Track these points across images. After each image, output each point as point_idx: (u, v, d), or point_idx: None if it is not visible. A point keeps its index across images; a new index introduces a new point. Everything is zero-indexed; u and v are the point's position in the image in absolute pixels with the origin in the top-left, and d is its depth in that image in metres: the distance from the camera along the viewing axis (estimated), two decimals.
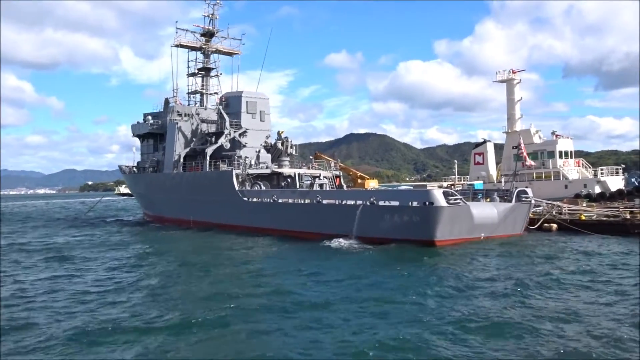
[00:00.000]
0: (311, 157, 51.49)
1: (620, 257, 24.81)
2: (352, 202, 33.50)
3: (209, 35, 56.27)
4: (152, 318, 15.21)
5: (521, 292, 17.59)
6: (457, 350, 12.04)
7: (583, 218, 35.59)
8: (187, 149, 50.62)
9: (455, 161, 68.94)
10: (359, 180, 58.38)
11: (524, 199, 33.47)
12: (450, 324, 13.98)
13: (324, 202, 35.43)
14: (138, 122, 58.98)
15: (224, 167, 45.36)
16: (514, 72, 55.84)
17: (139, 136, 59.59)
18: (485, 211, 31.83)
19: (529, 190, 34.39)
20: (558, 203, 38.58)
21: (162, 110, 57.29)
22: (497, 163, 58.45)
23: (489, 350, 12.11)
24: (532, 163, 37.50)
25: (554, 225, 36.05)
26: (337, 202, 34.93)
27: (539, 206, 39.25)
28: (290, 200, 38.02)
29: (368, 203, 32.15)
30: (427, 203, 29.55)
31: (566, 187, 48.39)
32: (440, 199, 29.25)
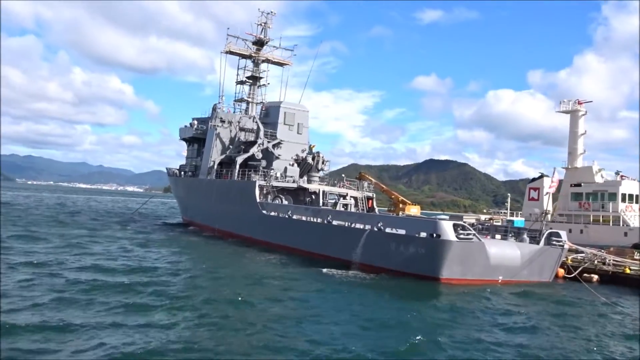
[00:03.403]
0: (341, 176, 48.86)
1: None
2: (361, 226, 30.94)
3: (260, 43, 55.52)
4: None
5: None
6: None
7: (628, 271, 30.88)
8: (223, 156, 49.84)
9: (509, 194, 63.94)
10: (400, 205, 55.25)
11: (554, 242, 29.40)
12: None
13: (334, 222, 33.03)
14: (185, 126, 59.18)
15: (255, 177, 43.95)
16: (579, 103, 50.94)
17: (185, 140, 59.70)
18: (505, 251, 28.15)
19: (562, 233, 30.23)
20: (602, 251, 33.95)
21: (210, 115, 57.08)
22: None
23: None
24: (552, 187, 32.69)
25: (595, 277, 31.58)
26: (346, 224, 32.44)
27: (581, 253, 34.80)
28: (304, 218, 35.90)
29: (375, 229, 29.48)
30: (434, 235, 26.51)
31: (626, 234, 43.01)
32: (448, 232, 26.11)
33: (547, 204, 33.07)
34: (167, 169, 64.86)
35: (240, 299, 19.31)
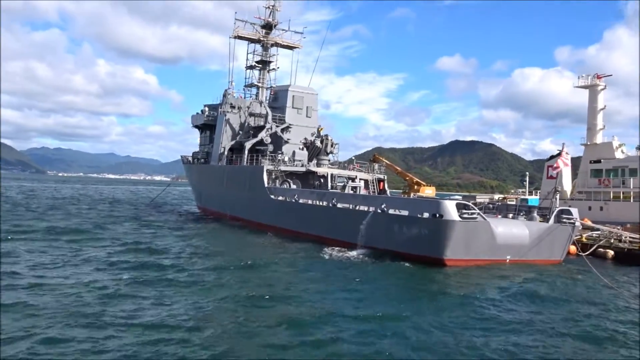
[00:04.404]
0: (351, 158, 48.20)
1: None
2: (365, 208, 30.39)
3: (268, 27, 54.81)
4: None
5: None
6: None
7: None
8: (233, 142, 49.62)
9: (527, 173, 62.39)
10: (415, 187, 54.38)
11: (565, 219, 28.40)
12: None
13: (339, 205, 32.53)
14: (197, 113, 59.07)
15: (263, 162, 43.65)
16: (598, 77, 49.12)
17: (197, 127, 59.63)
18: (512, 230, 27.31)
19: (573, 210, 29.20)
20: (618, 228, 32.79)
21: (221, 102, 56.75)
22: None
23: None
24: (557, 169, 31.29)
25: (610, 252, 30.63)
26: (350, 207, 31.92)
27: (597, 230, 33.74)
28: (310, 202, 35.47)
29: (379, 210, 28.90)
30: (437, 215, 25.80)
31: None
32: (451, 212, 25.39)
33: (557, 181, 31.84)
34: (181, 156, 64.99)
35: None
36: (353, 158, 47.39)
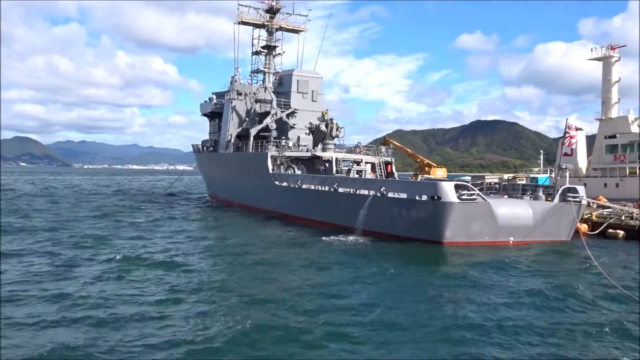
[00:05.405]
0: (357, 142, 47.44)
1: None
2: (365, 192, 29.89)
3: (272, 11, 54.14)
4: None
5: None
6: None
7: None
8: (240, 129, 49.39)
9: (542, 151, 61.00)
10: (426, 168, 53.56)
11: (570, 198, 27.49)
12: None
13: (340, 190, 32.07)
14: (205, 101, 58.96)
15: (269, 148, 43.34)
16: (612, 49, 47.46)
17: (206, 115, 59.54)
18: (514, 211, 26.55)
19: (580, 188, 28.26)
20: (630, 205, 31.71)
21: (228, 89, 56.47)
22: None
23: None
24: (571, 146, 30.32)
25: (621, 232, 29.61)
26: (351, 191, 31.45)
27: (608, 208, 32.69)
28: (312, 187, 35.06)
29: (378, 194, 28.38)
30: (435, 197, 25.18)
31: None
32: (449, 194, 24.76)
33: (560, 159, 30.85)
34: (192, 145, 65.07)
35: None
36: (359, 142, 46.59)
